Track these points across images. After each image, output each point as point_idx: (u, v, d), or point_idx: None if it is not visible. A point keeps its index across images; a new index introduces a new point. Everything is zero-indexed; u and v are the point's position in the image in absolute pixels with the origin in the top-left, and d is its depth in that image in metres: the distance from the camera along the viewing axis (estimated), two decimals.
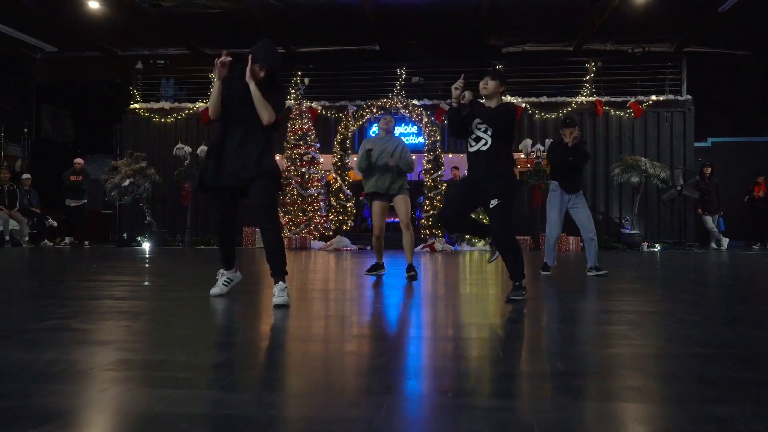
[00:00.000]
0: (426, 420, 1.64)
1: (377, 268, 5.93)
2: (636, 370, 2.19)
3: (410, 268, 5.55)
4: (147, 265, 7.46)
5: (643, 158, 12.15)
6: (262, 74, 3.68)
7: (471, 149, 4.11)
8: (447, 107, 13.37)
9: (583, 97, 13.49)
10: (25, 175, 13.18)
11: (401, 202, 5.63)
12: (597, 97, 13.46)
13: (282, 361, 2.38)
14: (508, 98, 13.51)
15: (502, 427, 1.55)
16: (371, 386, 1.98)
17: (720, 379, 2.03)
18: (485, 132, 4.01)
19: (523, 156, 13.06)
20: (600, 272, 5.83)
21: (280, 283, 3.64)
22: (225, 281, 4.05)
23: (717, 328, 3.06)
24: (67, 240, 12.93)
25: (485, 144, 4.02)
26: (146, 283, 5.29)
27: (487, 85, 4.05)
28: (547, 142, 12.35)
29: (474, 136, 4.08)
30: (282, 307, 3.49)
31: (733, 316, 3.52)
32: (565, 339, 2.82)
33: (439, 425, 1.59)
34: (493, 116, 3.96)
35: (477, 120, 4.05)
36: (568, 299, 4.35)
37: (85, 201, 13.05)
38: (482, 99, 4.14)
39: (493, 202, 3.92)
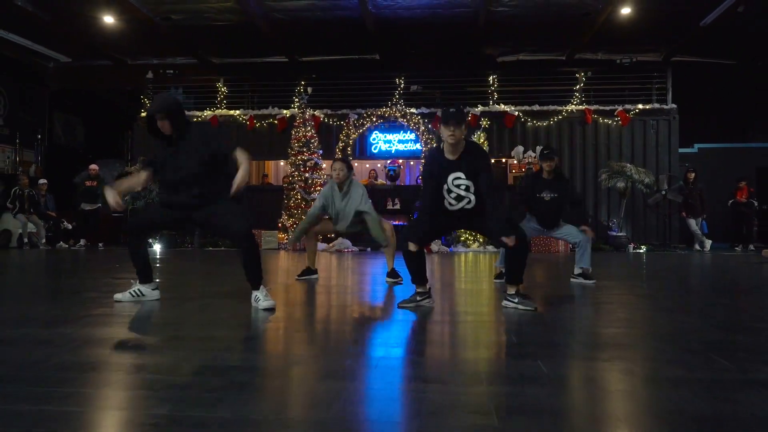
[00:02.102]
0: (396, 369, 2.28)
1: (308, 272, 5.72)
2: (567, 340, 2.83)
3: (393, 272, 5.42)
4: (165, 265, 8.09)
5: (628, 164, 12.78)
6: (166, 124, 3.80)
7: (451, 207, 3.75)
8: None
9: (573, 106, 14.12)
10: (42, 180, 13.82)
11: (377, 226, 5.32)
12: (586, 106, 14.09)
13: (293, 336, 3.02)
14: (502, 107, 14.15)
15: (451, 374, 2.20)
16: (360, 352, 2.62)
17: (626, 346, 2.68)
18: (467, 190, 3.69)
19: (515, 162, 13.68)
20: (588, 280, 5.49)
21: (262, 288, 3.85)
22: (134, 291, 4.12)
23: (653, 314, 3.70)
24: (81, 242, 13.56)
25: (469, 203, 3.73)
26: (169, 281, 5.92)
27: (455, 134, 3.62)
28: (538, 149, 13.00)
29: (454, 195, 3.72)
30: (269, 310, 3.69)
31: (673, 306, 4.15)
32: (523, 322, 3.46)
33: (403, 374, 2.23)
34: (469, 164, 3.69)
35: (453, 176, 3.70)
36: (541, 292, 4.97)
37: (100, 205, 13.69)
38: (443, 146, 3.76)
39: (505, 239, 3.60)
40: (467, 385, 2.03)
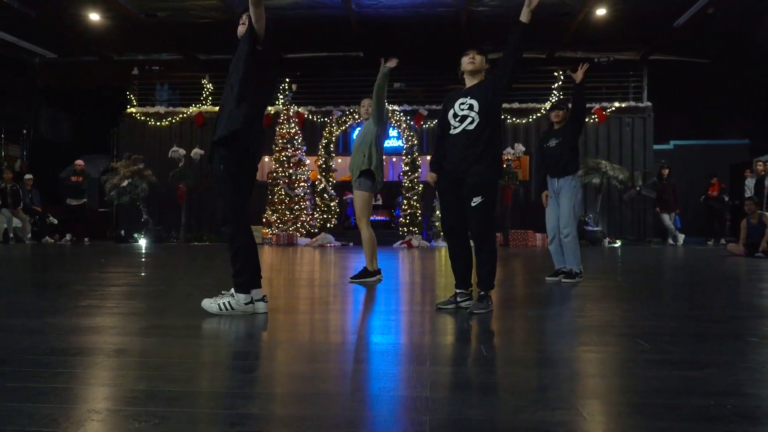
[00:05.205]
0: (362, 353, 2.55)
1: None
2: (515, 327, 3.12)
3: (362, 270, 5.23)
4: (149, 259, 8.31)
5: (603, 161, 13.15)
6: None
7: (454, 131, 3.64)
8: (425, 112, 14.29)
9: (552, 104, 14.43)
10: (27, 176, 13.94)
11: (354, 198, 5.34)
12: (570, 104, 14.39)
13: (273, 324, 3.28)
14: None
15: (400, 356, 2.47)
16: (345, 339, 2.90)
17: (565, 332, 2.98)
18: (470, 109, 3.58)
19: None
20: (570, 279, 5.24)
21: (233, 289, 3.35)
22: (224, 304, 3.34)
23: (602, 304, 4.01)
24: (67, 237, 13.70)
25: (471, 122, 3.57)
26: (154, 274, 6.16)
27: (474, 59, 3.70)
28: (517, 146, 13.34)
29: (458, 117, 3.62)
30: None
31: (624, 296, 4.46)
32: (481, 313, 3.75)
33: (360, 356, 2.51)
34: (480, 88, 3.64)
35: (459, 100, 3.65)
36: (510, 284, 5.27)
37: (85, 200, 13.84)
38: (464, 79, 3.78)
39: (476, 200, 3.53)
40: (412, 364, 2.30)
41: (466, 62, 3.70)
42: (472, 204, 3.54)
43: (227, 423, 1.63)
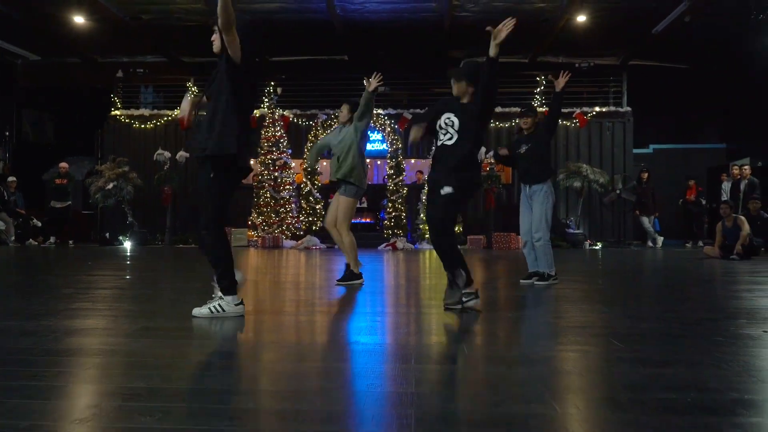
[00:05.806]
0: (344, 352, 2.67)
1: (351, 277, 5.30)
2: (495, 329, 3.26)
3: (347, 272, 5.29)
4: (136, 262, 8.35)
5: (584, 165, 13.41)
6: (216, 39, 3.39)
7: (438, 143, 3.91)
8: (410, 116, 14.44)
9: (521, 111, 14.67)
10: (11, 178, 13.86)
11: (339, 201, 5.35)
12: (546, 108, 14.64)
13: (264, 326, 3.39)
14: None
15: (387, 355, 2.60)
16: (332, 340, 3.01)
17: (544, 334, 3.12)
18: (451, 126, 3.82)
19: (478, 161, 14.16)
20: (543, 281, 5.36)
21: (220, 293, 3.40)
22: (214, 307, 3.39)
23: (580, 307, 4.17)
24: (51, 239, 13.63)
25: (450, 138, 3.82)
26: (142, 277, 6.22)
27: (454, 86, 3.92)
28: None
29: (443, 131, 3.87)
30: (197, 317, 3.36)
31: (602, 299, 4.62)
32: (463, 313, 3.89)
33: (345, 356, 2.63)
34: (464, 107, 3.86)
35: (446, 115, 3.86)
36: (493, 287, 5.42)
37: (70, 202, 13.78)
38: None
39: (445, 189, 3.70)
40: (398, 363, 2.43)
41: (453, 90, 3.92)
42: (442, 192, 3.70)
43: (227, 417, 1.75)
